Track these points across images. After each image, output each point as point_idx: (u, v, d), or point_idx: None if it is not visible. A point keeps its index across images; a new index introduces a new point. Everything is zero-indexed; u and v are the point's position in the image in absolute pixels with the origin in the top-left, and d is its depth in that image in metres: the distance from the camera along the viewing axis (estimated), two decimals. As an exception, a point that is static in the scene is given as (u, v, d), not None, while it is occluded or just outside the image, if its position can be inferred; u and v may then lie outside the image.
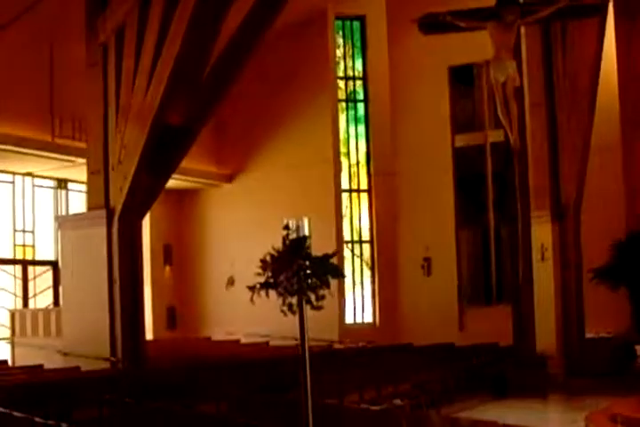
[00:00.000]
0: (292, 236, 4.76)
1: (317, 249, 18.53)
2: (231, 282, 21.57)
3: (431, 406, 12.55)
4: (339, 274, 4.73)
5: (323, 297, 4.74)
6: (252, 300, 4.95)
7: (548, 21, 15.84)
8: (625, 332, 16.41)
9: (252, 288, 4.98)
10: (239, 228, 21.47)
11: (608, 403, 11.45)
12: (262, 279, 4.86)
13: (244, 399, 10.19)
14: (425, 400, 12.62)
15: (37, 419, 7.47)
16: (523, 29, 15.64)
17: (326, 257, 4.73)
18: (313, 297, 4.76)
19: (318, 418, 8.95)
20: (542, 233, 16.38)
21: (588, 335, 16.66)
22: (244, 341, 19.69)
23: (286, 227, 4.76)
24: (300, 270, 4.66)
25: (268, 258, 4.76)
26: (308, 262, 4.67)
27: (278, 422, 8.47)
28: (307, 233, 4.72)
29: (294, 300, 4.80)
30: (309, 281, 4.68)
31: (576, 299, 16.57)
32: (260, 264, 4.94)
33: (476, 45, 16.73)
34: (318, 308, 4.89)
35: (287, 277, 4.66)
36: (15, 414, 7.75)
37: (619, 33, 18.14)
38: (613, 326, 16.91)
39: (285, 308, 4.97)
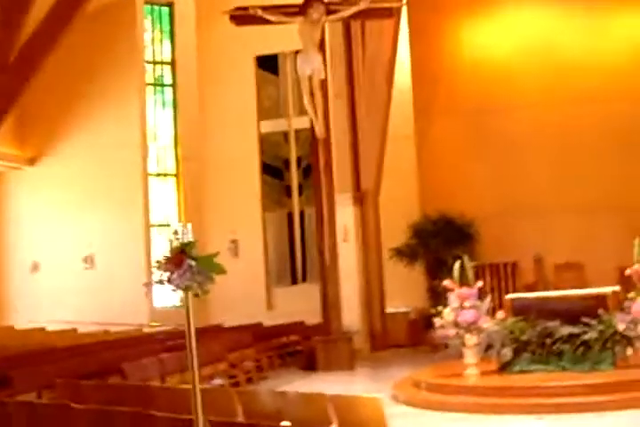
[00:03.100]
0: (180, 239, 5.36)
1: (124, 232, 18.57)
2: (35, 267, 21.31)
3: (248, 383, 13.27)
4: (221, 271, 5.41)
5: (208, 291, 5.42)
6: (146, 295, 5.45)
7: (349, 20, 16.78)
8: (422, 305, 17.83)
9: (147, 284, 5.52)
10: (43, 212, 21.20)
11: (410, 372, 12.56)
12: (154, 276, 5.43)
13: (68, 386, 10.29)
14: (242, 378, 13.35)
15: None
16: (327, 26, 16.44)
17: (211, 257, 5.37)
18: (200, 291, 5.41)
19: (147, 399, 9.29)
20: (345, 216, 17.31)
21: (389, 310, 17.95)
22: (49, 328, 19.51)
23: (175, 232, 5.39)
24: (189, 269, 5.27)
25: (161, 259, 5.35)
26: (195, 262, 5.29)
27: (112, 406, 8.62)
28: (191, 238, 5.36)
29: (184, 294, 5.41)
30: (197, 278, 5.32)
31: (378, 277, 17.82)
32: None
33: (282, 36, 17.46)
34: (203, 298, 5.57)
35: (178, 275, 5.25)
36: None
37: (413, 34, 19.56)
38: (411, 301, 18.34)
39: (180, 302, 5.56)
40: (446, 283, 11.54)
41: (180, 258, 5.32)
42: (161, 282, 5.32)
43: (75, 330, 19.07)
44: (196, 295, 5.53)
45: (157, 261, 5.31)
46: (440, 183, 19.04)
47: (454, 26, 20.04)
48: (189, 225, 5.55)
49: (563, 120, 18.80)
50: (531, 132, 18.91)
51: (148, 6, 21.46)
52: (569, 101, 18.78)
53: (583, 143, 18.64)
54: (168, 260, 5.31)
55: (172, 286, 5.31)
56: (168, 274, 5.25)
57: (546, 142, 18.83)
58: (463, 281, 11.44)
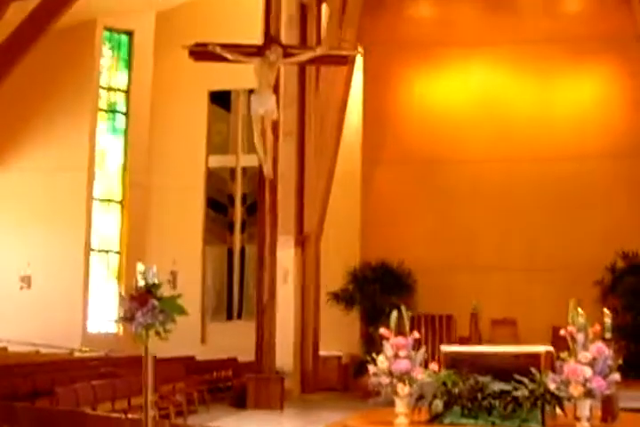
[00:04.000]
0: (146, 280, 5.55)
1: (64, 255, 18.33)
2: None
3: (178, 416, 13.22)
4: (182, 312, 5.64)
5: (169, 331, 5.62)
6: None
7: (305, 64, 17.10)
8: (355, 350, 18.03)
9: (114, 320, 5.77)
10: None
11: (340, 416, 12.64)
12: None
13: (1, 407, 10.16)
14: (172, 411, 13.28)
15: None
16: (283, 67, 16.73)
17: (174, 298, 5.58)
18: (161, 330, 5.60)
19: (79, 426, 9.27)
20: (286, 256, 17.40)
21: (322, 353, 18.09)
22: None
23: (142, 273, 5.58)
24: (152, 308, 5.47)
25: (126, 297, 5.55)
26: (158, 302, 5.50)
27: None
28: (156, 281, 5.54)
29: (145, 332, 5.60)
30: (159, 317, 5.52)
31: (313, 319, 17.98)
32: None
33: (237, 73, 17.67)
34: (165, 338, 5.75)
35: (142, 314, 5.46)
36: None
37: (366, 81, 20.11)
38: (344, 345, 18.52)
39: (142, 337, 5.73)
40: (382, 331, 11.67)
41: (145, 297, 5.52)
42: (124, 319, 5.51)
43: (5, 349, 18.79)
44: (157, 334, 5.73)
45: (121, 297, 5.52)
46: (382, 230, 19.35)
47: (408, 77, 20.55)
48: (155, 267, 5.75)
49: (506, 177, 19.36)
50: (474, 187, 19.41)
51: (108, 32, 21.55)
52: (513, 159, 19.37)
53: (524, 201, 19.18)
54: (133, 298, 5.50)
55: (134, 324, 5.49)
56: (131, 311, 5.44)
57: (488, 198, 19.33)
58: (399, 330, 11.57)
